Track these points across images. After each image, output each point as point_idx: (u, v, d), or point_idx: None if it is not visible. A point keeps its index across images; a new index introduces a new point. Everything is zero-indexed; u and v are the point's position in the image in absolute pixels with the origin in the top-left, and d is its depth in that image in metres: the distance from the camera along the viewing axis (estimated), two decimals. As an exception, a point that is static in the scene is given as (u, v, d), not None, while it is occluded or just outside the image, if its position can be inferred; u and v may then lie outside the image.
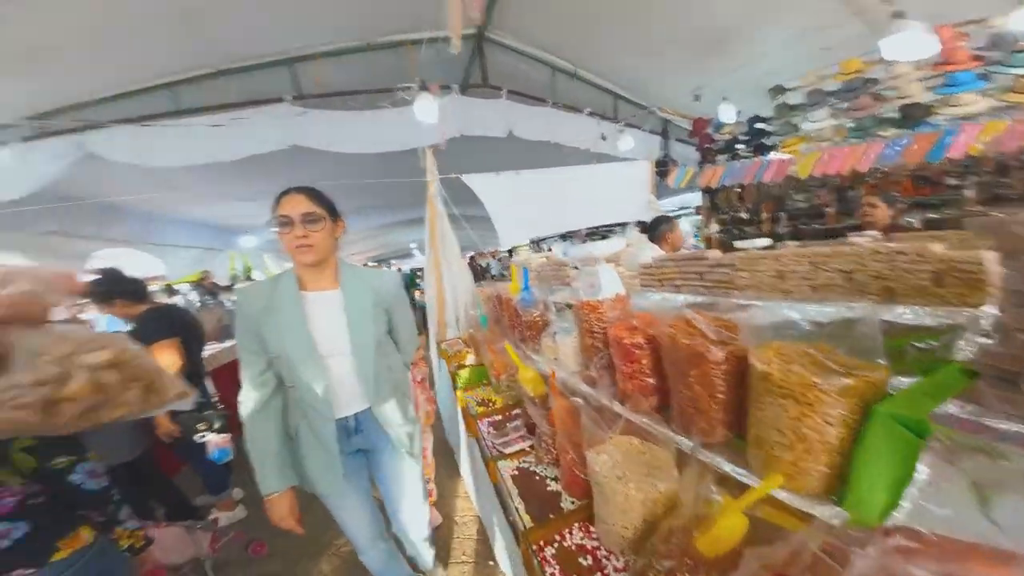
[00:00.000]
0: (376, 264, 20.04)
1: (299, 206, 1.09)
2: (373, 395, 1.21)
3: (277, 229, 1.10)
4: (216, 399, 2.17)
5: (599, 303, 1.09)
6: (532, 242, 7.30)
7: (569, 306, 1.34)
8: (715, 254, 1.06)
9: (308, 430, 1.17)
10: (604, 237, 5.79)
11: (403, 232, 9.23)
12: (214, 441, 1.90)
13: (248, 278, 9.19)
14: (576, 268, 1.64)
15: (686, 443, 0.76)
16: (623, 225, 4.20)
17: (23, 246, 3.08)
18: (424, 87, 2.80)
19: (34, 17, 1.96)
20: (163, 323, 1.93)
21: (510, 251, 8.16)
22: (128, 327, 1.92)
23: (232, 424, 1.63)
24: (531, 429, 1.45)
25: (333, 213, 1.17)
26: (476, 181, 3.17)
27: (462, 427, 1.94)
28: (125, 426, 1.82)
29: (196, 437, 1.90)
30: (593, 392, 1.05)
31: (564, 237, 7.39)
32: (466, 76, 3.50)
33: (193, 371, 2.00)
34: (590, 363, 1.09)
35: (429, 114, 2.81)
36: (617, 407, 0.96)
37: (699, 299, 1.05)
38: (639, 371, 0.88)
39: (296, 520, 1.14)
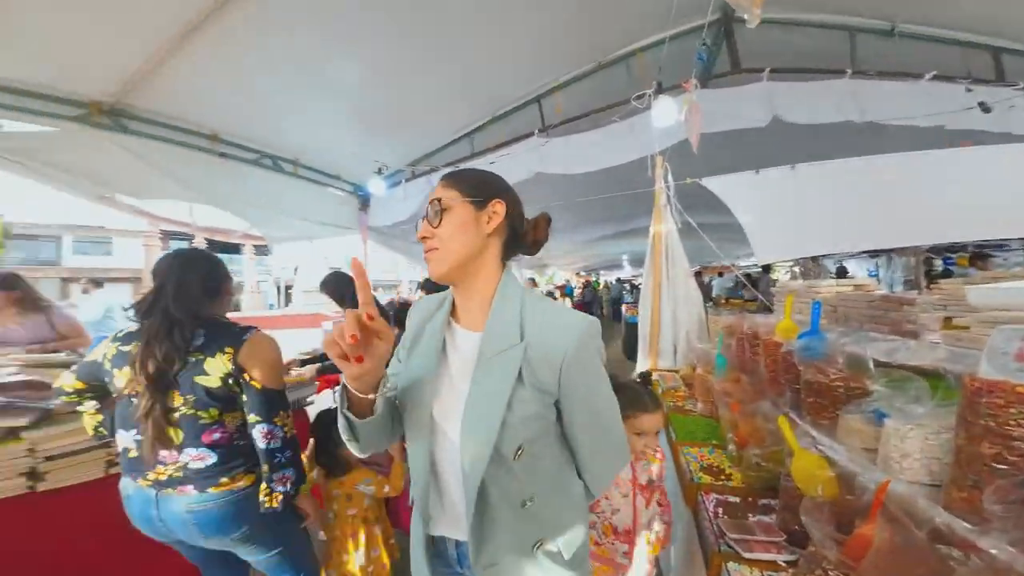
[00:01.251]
0: (586, 274, 20.64)
1: (431, 195, 0.75)
2: (473, 532, 0.71)
3: None
4: None
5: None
6: (799, 261, 5.32)
7: (923, 373, 0.83)
8: None
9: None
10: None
11: (615, 243, 9.38)
12: None
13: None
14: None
15: None
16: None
17: (404, 250, 5.15)
18: (660, 90, 2.72)
19: (399, 94, 3.08)
20: None
21: (766, 268, 6.53)
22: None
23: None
24: (794, 538, 0.98)
25: (477, 194, 0.74)
26: (720, 183, 2.63)
27: (670, 482, 1.44)
28: None
29: None
30: (973, 534, 0.60)
31: (873, 254, 5.27)
32: (707, 67, 3.00)
33: None
34: (978, 483, 0.64)
35: (667, 117, 2.63)
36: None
37: None
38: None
39: None
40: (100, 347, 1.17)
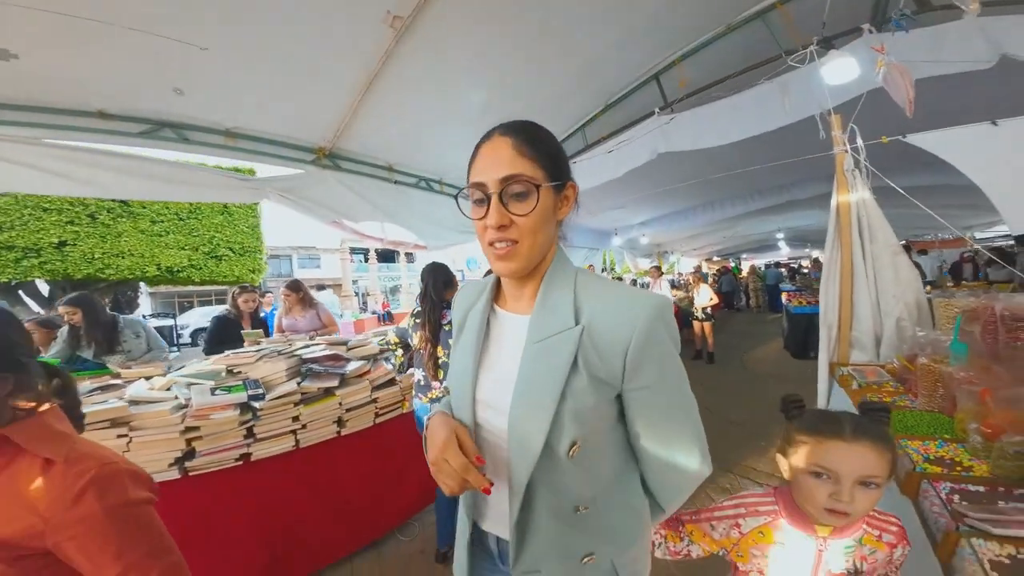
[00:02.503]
0: (721, 259, 17.90)
1: (499, 165, 0.60)
2: (516, 533, 0.64)
3: (471, 214, 0.65)
4: None
5: None
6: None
7: None
8: None
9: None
10: None
11: (762, 220, 7.93)
12: None
13: (612, 269, 11.19)
14: None
15: None
16: None
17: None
18: (826, 43, 2.18)
19: (518, 103, 3.15)
20: None
21: (1021, 239, 4.65)
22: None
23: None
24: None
25: (559, 174, 0.63)
26: (939, 140, 1.99)
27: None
28: None
29: None
30: None
31: None
32: (879, 6, 2.36)
33: None
34: None
35: (842, 72, 2.14)
36: None
37: None
38: None
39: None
40: (406, 319, 2.01)
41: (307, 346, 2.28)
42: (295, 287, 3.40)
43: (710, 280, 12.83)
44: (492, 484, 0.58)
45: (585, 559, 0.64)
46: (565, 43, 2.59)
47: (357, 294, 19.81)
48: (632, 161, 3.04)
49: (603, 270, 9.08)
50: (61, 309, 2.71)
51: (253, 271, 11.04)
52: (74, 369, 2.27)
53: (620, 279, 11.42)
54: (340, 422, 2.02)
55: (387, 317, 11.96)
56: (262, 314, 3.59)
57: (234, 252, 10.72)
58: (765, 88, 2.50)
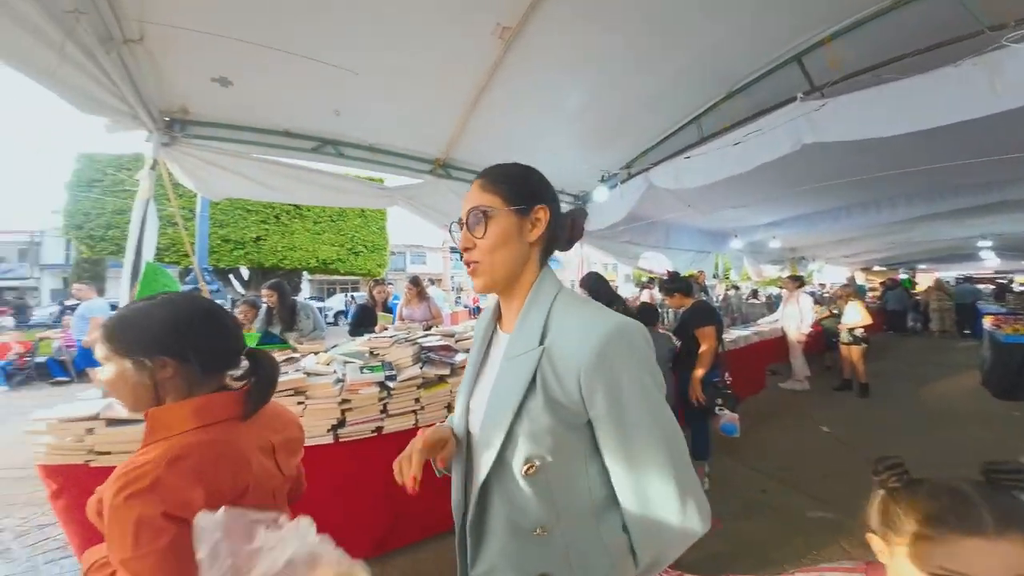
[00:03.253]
0: (887, 269, 14.36)
1: (468, 201, 0.71)
2: (471, 536, 0.69)
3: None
4: (729, 380, 2.58)
5: None
6: None
7: None
8: None
9: None
10: None
11: (956, 224, 6.11)
12: (728, 416, 2.34)
13: (726, 277, 9.93)
14: None
15: None
16: None
17: (614, 250, 5.34)
18: None
19: (618, 102, 3.01)
20: (708, 313, 2.70)
21: None
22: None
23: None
24: None
25: (519, 200, 0.68)
26: None
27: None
28: (667, 381, 2.64)
29: (716, 409, 2.38)
30: None
31: None
32: None
33: (718, 352, 2.69)
34: None
35: None
36: None
37: None
38: None
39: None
40: None
41: (425, 335, 2.56)
42: (416, 282, 3.93)
43: (867, 295, 10.41)
44: (414, 487, 0.66)
45: None
46: (679, 30, 2.37)
47: (453, 289, 21.95)
48: (767, 153, 2.63)
49: (715, 276, 8.05)
50: (263, 291, 3.53)
51: (379, 265, 13.04)
52: (265, 343, 2.88)
53: (736, 288, 10.03)
54: (450, 407, 2.16)
55: (476, 311, 12.86)
56: (390, 303, 4.23)
57: (367, 249, 12.80)
58: (964, 69, 1.96)
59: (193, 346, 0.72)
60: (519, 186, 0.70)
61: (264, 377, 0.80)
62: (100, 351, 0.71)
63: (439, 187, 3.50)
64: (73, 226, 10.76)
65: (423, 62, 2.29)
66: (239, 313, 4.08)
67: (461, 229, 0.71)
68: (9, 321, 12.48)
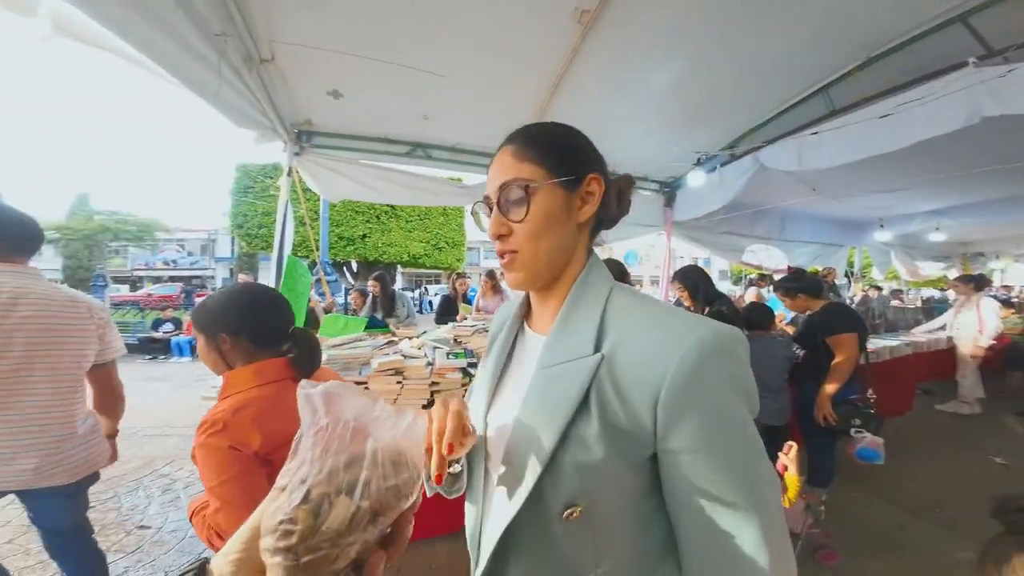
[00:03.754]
0: None
1: (497, 174, 0.55)
2: None
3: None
4: (872, 398, 2.14)
5: None
6: None
7: None
8: None
9: None
10: None
11: None
12: (870, 440, 1.98)
13: (863, 276, 8.24)
14: None
15: None
16: None
17: (709, 243, 4.73)
18: None
19: (720, 77, 2.59)
20: (847, 318, 2.23)
21: None
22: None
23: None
24: None
25: (568, 169, 0.53)
26: None
27: None
28: (783, 394, 2.25)
29: (852, 431, 2.04)
30: None
31: None
32: None
33: (860, 364, 2.23)
34: None
35: None
36: None
37: None
38: None
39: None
40: None
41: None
42: (492, 276, 4.13)
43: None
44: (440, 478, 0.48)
45: None
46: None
47: None
48: (930, 127, 2.13)
49: (847, 275, 6.69)
50: (369, 282, 4.11)
51: (458, 260, 14.20)
52: (371, 326, 3.22)
53: (878, 288, 8.24)
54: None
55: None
56: (468, 295, 4.47)
57: (448, 245, 14.01)
58: None
59: (243, 325, 0.90)
60: (565, 150, 0.54)
61: (302, 348, 0.96)
62: (192, 330, 0.96)
63: None
64: (235, 226, 13.47)
65: (502, 57, 2.29)
66: (351, 300, 4.71)
67: (490, 211, 0.56)
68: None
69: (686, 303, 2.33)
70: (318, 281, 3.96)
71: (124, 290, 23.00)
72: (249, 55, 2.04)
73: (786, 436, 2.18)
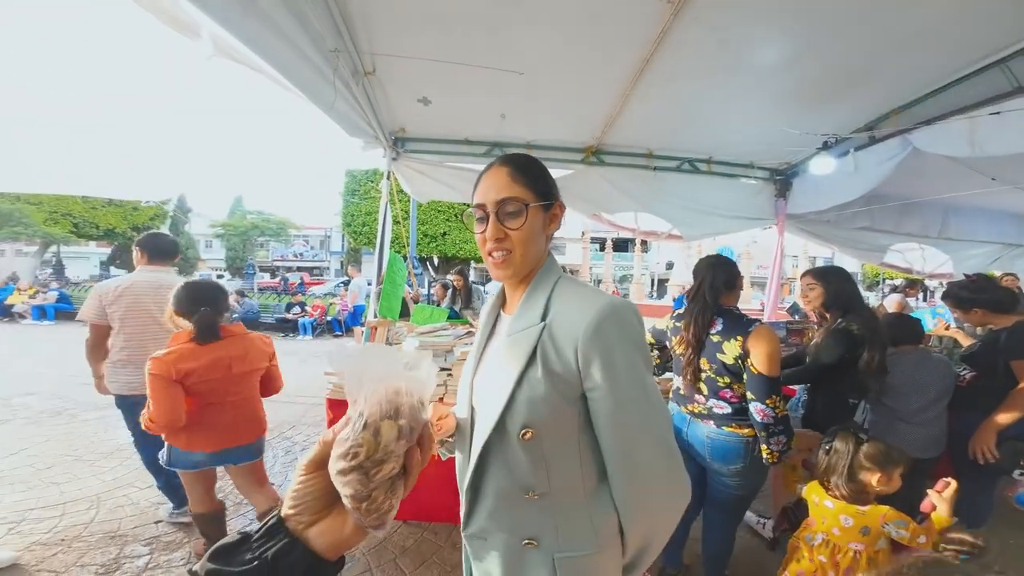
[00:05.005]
0: None
1: (495, 188, 0.71)
2: (468, 496, 0.76)
3: (475, 228, 0.76)
4: None
5: None
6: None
7: None
8: None
9: None
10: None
11: None
12: None
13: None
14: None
15: None
16: None
17: (839, 240, 4.02)
18: None
19: (831, 51, 2.10)
20: None
21: None
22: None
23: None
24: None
25: (547, 196, 0.74)
26: None
27: None
28: (936, 423, 1.94)
29: (1016, 473, 1.77)
30: None
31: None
32: None
33: None
34: None
35: None
36: None
37: None
38: None
39: None
40: (663, 320, 1.86)
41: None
42: (445, 286, 4.16)
43: None
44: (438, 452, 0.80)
45: (526, 542, 0.70)
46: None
47: (592, 280, 21.51)
48: None
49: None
50: (452, 276, 4.39)
51: None
52: (451, 318, 3.44)
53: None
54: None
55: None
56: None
57: None
58: None
59: (184, 307, 1.66)
60: (543, 182, 0.74)
61: (200, 326, 1.62)
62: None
63: (590, 176, 3.43)
64: (345, 224, 15.41)
65: (582, 48, 2.16)
66: (434, 292, 5.04)
67: (487, 217, 0.71)
68: (318, 289, 18.87)
69: (807, 306, 2.00)
70: (408, 274, 4.32)
71: (266, 277, 27.92)
72: (356, 69, 2.26)
73: (938, 471, 1.84)
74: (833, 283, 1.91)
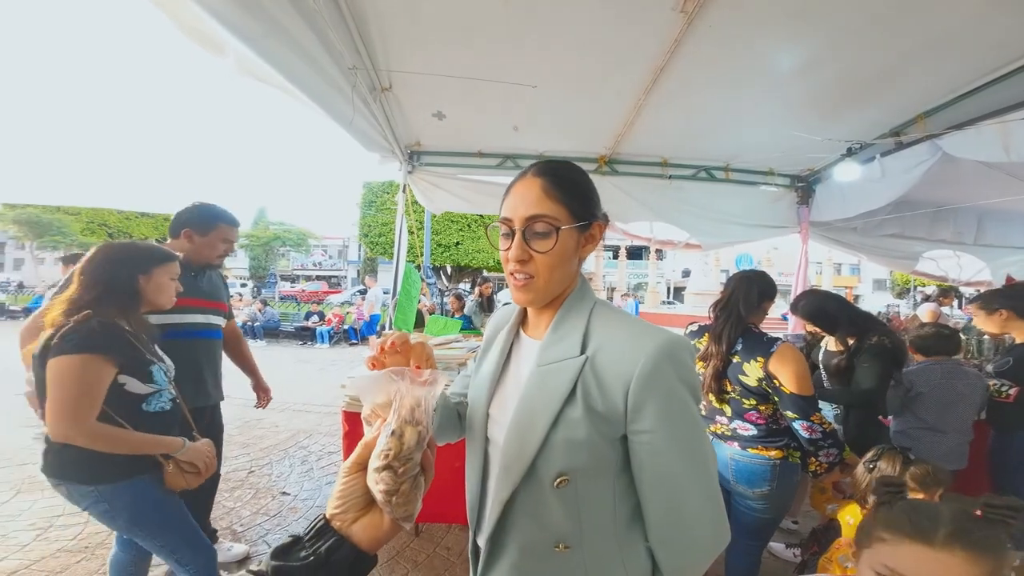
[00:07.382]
0: None
1: (524, 203, 0.62)
2: (488, 549, 0.66)
3: (500, 244, 0.68)
4: None
5: None
6: None
7: None
8: None
9: None
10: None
11: None
12: None
13: None
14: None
15: None
16: None
17: (866, 248, 3.86)
18: None
19: (846, 61, 2.06)
20: None
21: None
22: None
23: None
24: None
25: (584, 215, 0.63)
26: None
27: None
28: (961, 435, 1.89)
29: None
30: None
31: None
32: None
33: None
34: None
35: None
36: None
37: None
38: None
39: None
40: (687, 327, 1.72)
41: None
42: (459, 297, 4.17)
43: None
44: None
45: None
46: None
47: (605, 288, 21.51)
48: None
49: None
50: (480, 286, 4.52)
51: None
52: (463, 328, 3.47)
53: None
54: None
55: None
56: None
57: None
58: None
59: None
60: (583, 198, 0.64)
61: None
62: None
63: (603, 186, 3.39)
64: (362, 234, 15.71)
65: (594, 59, 2.15)
66: (449, 303, 5.09)
67: (512, 233, 0.63)
68: (336, 298, 19.26)
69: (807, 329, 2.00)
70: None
71: (287, 286, 28.66)
72: (373, 85, 2.31)
73: (964, 489, 1.76)
74: (822, 315, 1.91)
